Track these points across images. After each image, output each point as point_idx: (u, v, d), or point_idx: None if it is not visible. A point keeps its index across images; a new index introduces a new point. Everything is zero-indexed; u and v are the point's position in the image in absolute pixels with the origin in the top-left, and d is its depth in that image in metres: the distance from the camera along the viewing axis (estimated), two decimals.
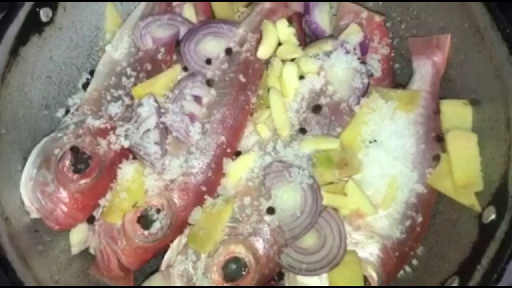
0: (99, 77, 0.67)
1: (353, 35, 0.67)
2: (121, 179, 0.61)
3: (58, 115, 0.68)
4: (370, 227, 0.61)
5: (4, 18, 0.61)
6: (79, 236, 0.63)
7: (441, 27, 0.67)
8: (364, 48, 0.68)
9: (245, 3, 0.73)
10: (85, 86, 0.69)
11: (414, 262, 0.64)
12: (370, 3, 0.73)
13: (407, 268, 0.64)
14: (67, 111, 0.68)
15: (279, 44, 0.67)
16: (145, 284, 0.62)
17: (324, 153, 0.62)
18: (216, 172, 0.63)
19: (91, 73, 0.70)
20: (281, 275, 0.62)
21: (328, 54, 0.65)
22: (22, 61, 0.63)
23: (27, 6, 0.61)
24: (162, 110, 0.63)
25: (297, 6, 0.71)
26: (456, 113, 0.65)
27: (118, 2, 0.72)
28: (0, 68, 0.60)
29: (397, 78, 0.73)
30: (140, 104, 0.62)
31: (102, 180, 0.61)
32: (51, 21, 0.65)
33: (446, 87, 0.68)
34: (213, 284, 0.59)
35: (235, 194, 0.63)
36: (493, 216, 0.57)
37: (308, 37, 0.73)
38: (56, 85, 0.68)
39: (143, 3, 0.71)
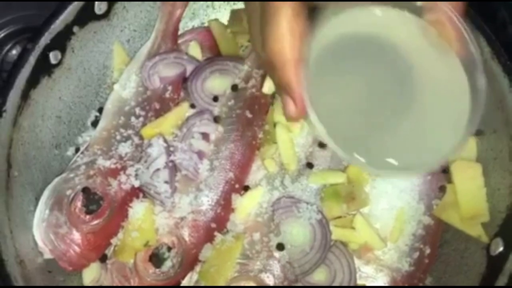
0: (108, 116, 0.68)
1: None
2: (132, 218, 0.62)
3: (68, 153, 0.69)
4: (379, 260, 0.62)
5: (15, 63, 0.62)
6: (92, 275, 0.64)
7: None
8: None
9: (248, 37, 0.75)
10: (94, 123, 0.71)
11: None
12: None
13: None
14: (77, 150, 0.69)
15: None
16: None
17: (331, 187, 0.63)
18: (225, 208, 0.64)
19: (100, 110, 0.71)
20: None
21: None
22: (33, 103, 0.64)
23: (37, 50, 0.63)
24: (171, 149, 0.64)
25: None
26: None
27: (125, 41, 0.73)
28: (12, 112, 0.61)
29: None
30: (149, 145, 0.63)
31: (114, 220, 0.62)
32: (60, 62, 0.66)
33: None
34: None
35: (244, 229, 0.63)
36: (501, 249, 0.57)
37: None
38: (65, 124, 0.69)
39: (150, 41, 0.72)
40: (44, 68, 0.64)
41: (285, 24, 0.40)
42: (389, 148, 0.44)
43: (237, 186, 0.65)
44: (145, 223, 0.62)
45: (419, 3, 0.43)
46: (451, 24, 0.42)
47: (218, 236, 0.63)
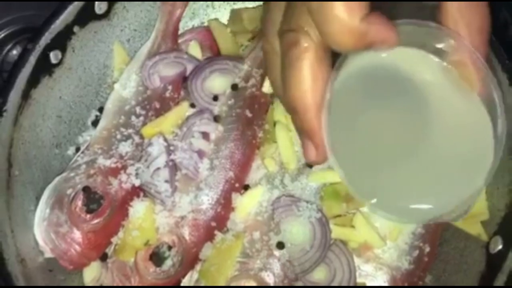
0: (108, 115, 0.68)
1: None
2: (132, 217, 0.62)
3: (69, 153, 0.69)
4: (378, 259, 0.62)
5: (15, 63, 0.62)
6: (92, 274, 0.64)
7: None
8: None
9: (248, 37, 0.75)
10: (95, 123, 0.71)
11: None
12: None
13: None
14: (77, 149, 0.69)
15: None
16: None
17: (331, 186, 0.63)
18: (225, 207, 0.64)
19: (100, 110, 0.72)
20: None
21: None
22: (34, 102, 0.64)
23: (37, 50, 0.63)
24: (171, 148, 0.64)
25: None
26: None
27: (125, 40, 0.73)
28: (13, 112, 0.61)
29: None
30: (150, 144, 0.63)
31: (114, 219, 0.63)
32: (60, 62, 0.67)
33: None
34: None
35: (245, 228, 0.64)
36: (500, 247, 0.58)
37: None
38: (66, 123, 0.70)
39: (150, 41, 0.72)
40: (44, 68, 0.65)
41: (308, 69, 0.40)
42: (403, 192, 0.43)
43: (237, 185, 0.65)
44: (145, 222, 0.62)
45: (442, 45, 0.43)
46: (474, 66, 0.42)
47: (218, 235, 0.63)
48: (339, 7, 0.37)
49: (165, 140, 0.64)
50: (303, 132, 0.42)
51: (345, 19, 0.37)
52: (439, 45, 0.43)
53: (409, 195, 0.44)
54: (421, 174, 0.43)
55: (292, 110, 0.42)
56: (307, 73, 0.40)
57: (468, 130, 0.44)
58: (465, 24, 0.41)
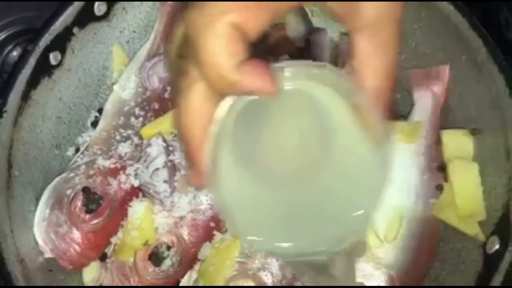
0: (107, 116, 0.69)
1: None
2: (131, 218, 0.63)
3: (68, 153, 0.70)
4: (376, 258, 0.63)
5: (15, 64, 0.63)
6: (92, 274, 0.64)
7: (439, 58, 0.69)
8: None
9: None
10: (94, 124, 0.71)
11: None
12: None
13: None
14: (77, 150, 0.70)
15: None
16: None
17: None
18: None
19: (100, 111, 0.72)
20: None
21: None
22: (33, 104, 0.65)
23: (37, 52, 0.63)
24: (170, 149, 0.64)
25: (299, 42, 0.73)
26: (457, 143, 0.66)
27: (124, 42, 0.74)
28: (13, 113, 0.62)
29: (398, 106, 0.74)
30: (149, 145, 0.64)
31: (114, 219, 0.63)
32: (60, 63, 0.67)
33: (446, 117, 0.69)
34: None
35: None
36: (497, 247, 0.58)
37: None
38: (66, 124, 0.70)
39: (149, 42, 0.72)
40: (44, 69, 0.65)
41: (194, 101, 0.39)
42: (289, 229, 0.43)
43: None
44: (144, 222, 0.62)
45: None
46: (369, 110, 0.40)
47: (217, 235, 0.63)
48: (214, 51, 0.35)
49: (164, 140, 0.64)
50: (187, 160, 0.42)
51: (219, 65, 0.36)
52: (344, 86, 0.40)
53: (276, 233, 0.43)
54: (299, 213, 0.43)
55: (180, 136, 0.41)
56: (192, 105, 0.39)
57: (355, 174, 0.42)
58: (371, 68, 0.39)
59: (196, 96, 0.39)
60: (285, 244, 0.43)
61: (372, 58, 0.39)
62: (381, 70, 0.39)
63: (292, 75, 0.39)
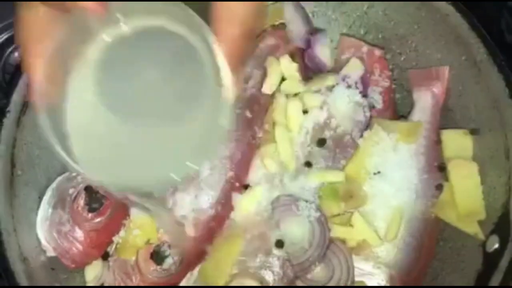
0: None
1: (354, 69, 0.69)
2: (134, 217, 0.63)
3: None
4: (377, 257, 0.63)
5: (18, 65, 0.63)
6: (94, 272, 0.65)
7: (439, 59, 0.69)
8: (365, 82, 0.70)
9: None
10: None
11: None
12: (370, 36, 0.76)
13: None
14: None
15: (282, 79, 0.70)
16: None
17: (329, 185, 0.64)
18: (225, 207, 0.65)
19: None
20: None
21: (330, 89, 0.68)
22: None
23: None
24: None
25: (299, 42, 0.73)
26: (457, 143, 0.66)
27: None
28: (16, 113, 0.62)
29: (398, 107, 0.75)
30: None
31: (116, 218, 0.64)
32: None
33: (446, 117, 0.70)
34: None
35: (244, 227, 0.64)
36: (496, 245, 0.58)
37: (310, 71, 0.75)
38: None
39: None
40: None
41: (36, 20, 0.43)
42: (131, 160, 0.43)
43: (237, 184, 0.66)
44: (146, 221, 0.63)
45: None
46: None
47: (219, 234, 0.64)
48: None
49: None
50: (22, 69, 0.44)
51: None
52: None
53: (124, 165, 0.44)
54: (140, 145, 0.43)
55: (19, 41, 0.44)
56: (29, 19, 0.43)
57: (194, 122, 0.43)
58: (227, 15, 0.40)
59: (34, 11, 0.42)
60: (115, 178, 0.43)
61: (230, 5, 0.40)
62: (237, 17, 0.40)
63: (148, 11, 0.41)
